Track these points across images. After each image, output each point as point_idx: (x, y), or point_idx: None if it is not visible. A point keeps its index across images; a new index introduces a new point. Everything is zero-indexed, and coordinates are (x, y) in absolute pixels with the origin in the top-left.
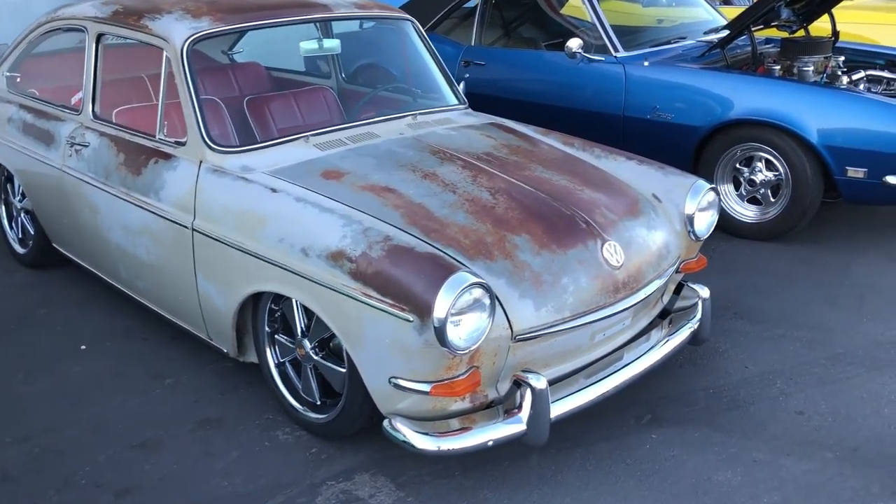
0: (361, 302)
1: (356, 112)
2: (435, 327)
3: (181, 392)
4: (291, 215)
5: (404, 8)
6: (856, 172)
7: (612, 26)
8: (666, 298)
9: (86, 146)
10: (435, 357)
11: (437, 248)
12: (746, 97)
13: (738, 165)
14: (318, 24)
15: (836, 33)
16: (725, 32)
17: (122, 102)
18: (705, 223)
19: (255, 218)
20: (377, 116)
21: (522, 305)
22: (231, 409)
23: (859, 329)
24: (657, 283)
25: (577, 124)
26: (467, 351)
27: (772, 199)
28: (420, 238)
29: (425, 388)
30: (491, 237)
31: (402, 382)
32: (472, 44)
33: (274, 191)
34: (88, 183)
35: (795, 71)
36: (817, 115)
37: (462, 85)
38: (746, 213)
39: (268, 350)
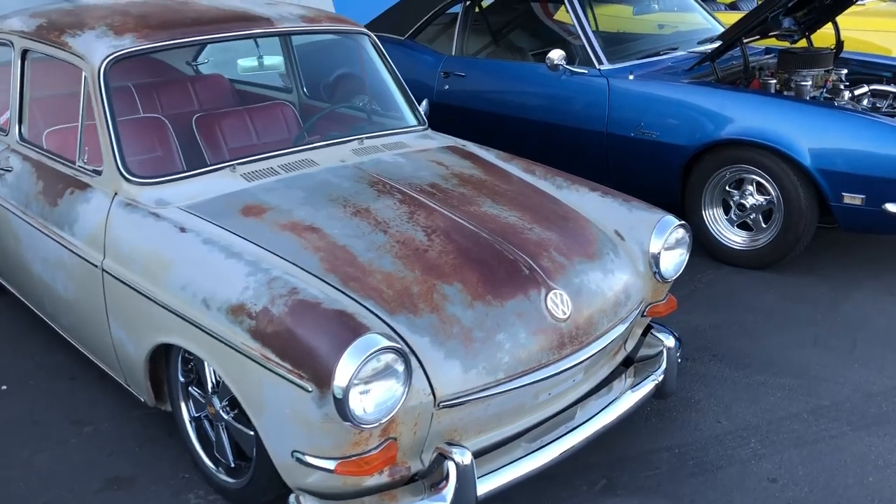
0: (261, 365)
1: (302, 134)
2: (335, 398)
3: (98, 442)
4: (196, 259)
5: (382, 16)
6: (853, 199)
7: (602, 35)
8: (630, 345)
9: (9, 171)
10: (338, 432)
11: (354, 301)
12: (734, 115)
13: (727, 188)
14: (254, 40)
15: (839, 43)
16: (718, 43)
17: (53, 123)
18: (673, 263)
19: (161, 261)
20: (323, 140)
21: (448, 367)
22: (146, 464)
23: (849, 377)
24: (613, 334)
25: (559, 141)
26: (377, 424)
27: (763, 225)
28: (337, 288)
29: (330, 465)
30: (418, 286)
31: (305, 458)
32: (453, 54)
33: (183, 230)
34: (11, 211)
35: (793, 85)
36: (810, 136)
37: (424, 104)
38: (736, 239)
39: (182, 403)
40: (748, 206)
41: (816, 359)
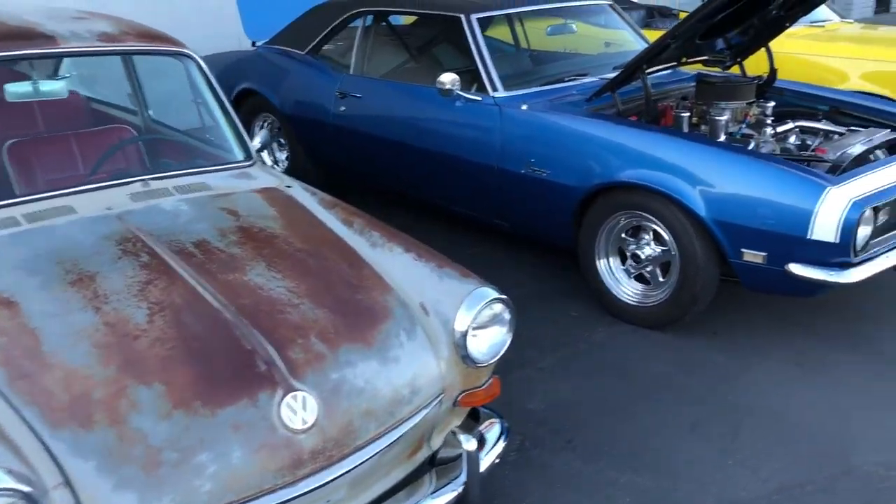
0: None
1: (93, 170)
2: None
3: None
4: None
5: (287, 28)
6: (754, 256)
7: (512, 56)
8: (438, 442)
9: None
10: None
11: (11, 409)
12: (627, 155)
13: (623, 235)
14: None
15: (773, 72)
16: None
17: None
18: (486, 344)
19: None
20: (110, 179)
21: (118, 501)
22: None
23: (717, 479)
24: (386, 441)
25: (452, 173)
26: None
27: (661, 279)
28: None
29: None
30: (104, 390)
31: None
32: (351, 72)
33: None
34: None
35: (708, 120)
36: (707, 183)
37: (259, 136)
38: (631, 293)
39: None
40: (643, 257)
41: (688, 450)
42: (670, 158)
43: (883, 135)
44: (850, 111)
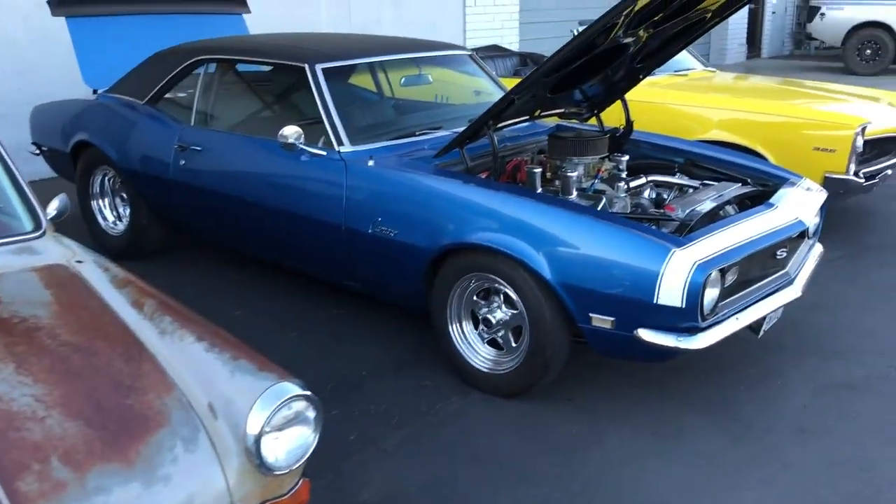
0: None
1: None
2: None
3: None
4: None
5: (129, 75)
6: (602, 321)
7: (369, 107)
8: None
9: None
10: None
11: None
12: (472, 215)
13: (475, 298)
14: None
15: (629, 124)
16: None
17: None
18: (284, 449)
19: None
20: None
21: None
22: None
23: None
24: None
25: (300, 234)
26: None
27: (513, 344)
28: None
29: None
30: None
31: None
32: (192, 124)
33: None
34: None
35: (559, 176)
36: (551, 244)
37: (57, 202)
38: (484, 359)
39: None
40: (495, 321)
41: None
42: (514, 218)
43: (734, 189)
44: (705, 164)
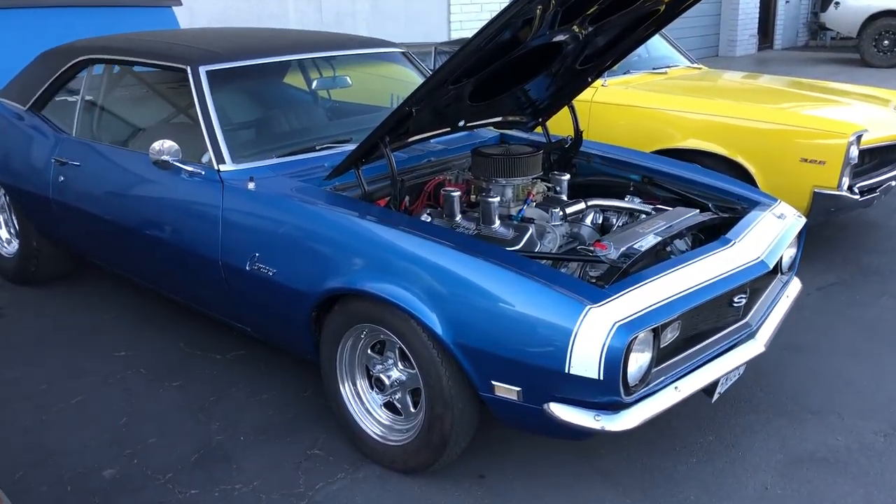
0: None
1: None
2: None
3: None
4: None
5: (16, 78)
6: (507, 391)
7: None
8: None
9: None
10: None
11: None
12: (357, 255)
13: (370, 352)
14: None
15: (578, 135)
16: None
17: None
18: None
19: None
20: None
21: None
22: None
23: None
24: None
25: (177, 265)
26: None
27: (412, 410)
28: None
29: None
30: None
31: None
32: (73, 135)
33: None
34: None
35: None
36: (446, 295)
37: None
38: (380, 426)
39: None
40: (388, 382)
41: None
42: (406, 261)
43: (687, 218)
44: (664, 183)
